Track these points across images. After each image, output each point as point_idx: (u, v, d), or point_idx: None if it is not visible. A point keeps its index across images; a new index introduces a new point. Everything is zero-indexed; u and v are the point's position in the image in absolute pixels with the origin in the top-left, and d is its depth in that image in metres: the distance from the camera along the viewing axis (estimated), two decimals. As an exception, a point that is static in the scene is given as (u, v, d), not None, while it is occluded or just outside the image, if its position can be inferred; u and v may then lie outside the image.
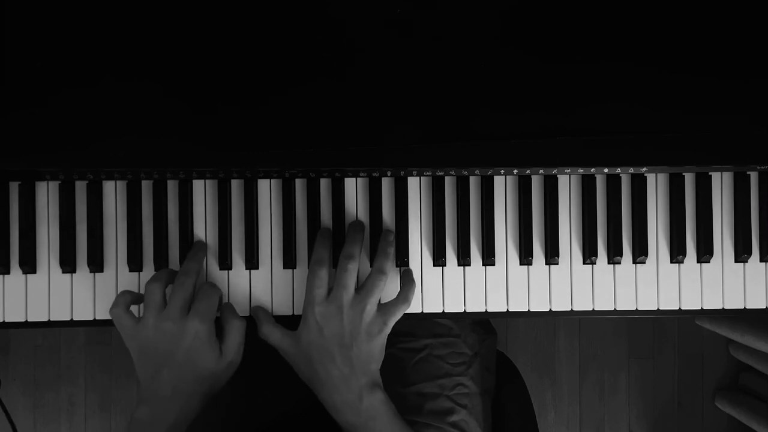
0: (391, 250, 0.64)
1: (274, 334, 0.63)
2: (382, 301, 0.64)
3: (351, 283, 0.61)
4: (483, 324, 0.81)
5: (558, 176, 0.67)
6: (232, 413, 0.76)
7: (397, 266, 0.67)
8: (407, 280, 0.65)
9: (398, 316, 0.63)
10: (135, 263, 0.66)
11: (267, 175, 0.66)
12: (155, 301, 0.60)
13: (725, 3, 0.62)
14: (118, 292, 0.63)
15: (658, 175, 0.68)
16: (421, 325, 0.75)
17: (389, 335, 0.64)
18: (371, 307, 0.61)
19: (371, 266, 0.64)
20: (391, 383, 0.76)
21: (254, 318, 0.65)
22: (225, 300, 0.66)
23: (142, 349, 0.61)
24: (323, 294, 0.61)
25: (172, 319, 0.59)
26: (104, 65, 0.60)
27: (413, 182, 0.67)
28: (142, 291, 0.66)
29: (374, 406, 0.60)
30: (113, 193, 0.66)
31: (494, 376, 0.81)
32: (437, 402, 0.75)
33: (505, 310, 0.68)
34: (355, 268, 0.61)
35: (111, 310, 0.61)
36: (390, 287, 0.65)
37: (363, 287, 0.62)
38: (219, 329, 0.63)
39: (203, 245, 0.65)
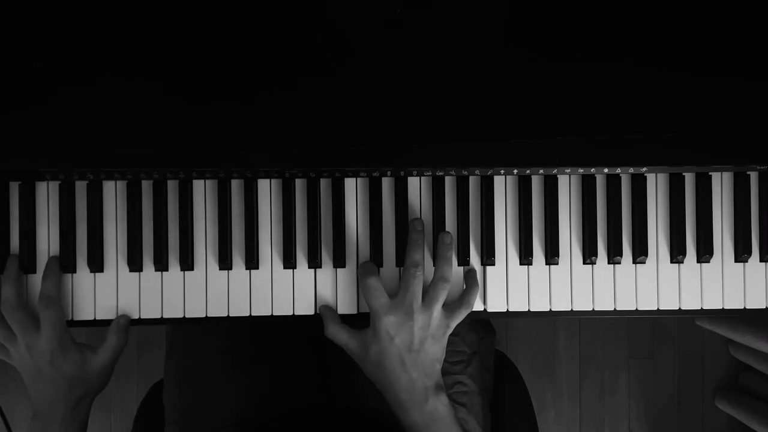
0: (450, 254, 0.64)
1: (340, 335, 0.64)
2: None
3: (419, 290, 0.62)
4: (482, 323, 0.81)
5: (558, 176, 0.67)
6: (249, 402, 0.77)
7: (397, 266, 0.67)
8: (471, 284, 0.66)
9: (460, 319, 0.64)
10: (135, 263, 0.66)
11: (267, 175, 0.66)
12: (3, 334, 0.64)
13: (725, 3, 0.62)
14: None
15: (658, 175, 0.68)
16: None
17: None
18: (437, 314, 0.62)
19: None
20: None
21: (321, 315, 0.66)
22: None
23: (19, 368, 0.65)
24: (386, 302, 0.62)
25: (26, 345, 0.63)
26: (104, 65, 0.60)
27: (413, 182, 0.67)
28: (141, 292, 0.66)
29: (438, 409, 0.61)
30: (113, 193, 0.66)
31: (493, 374, 0.82)
32: None
33: (505, 310, 0.67)
34: (422, 274, 0.62)
35: None
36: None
37: (428, 295, 0.62)
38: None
39: (13, 261, 0.65)
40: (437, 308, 0.62)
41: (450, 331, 0.64)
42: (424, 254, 0.65)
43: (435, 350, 0.62)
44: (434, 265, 0.64)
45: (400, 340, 0.61)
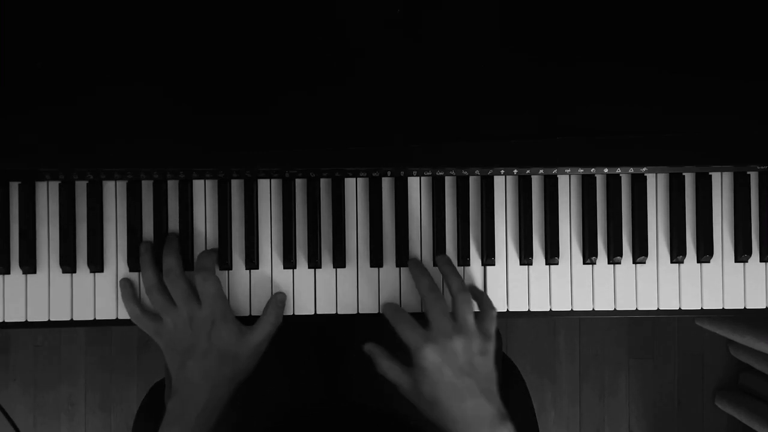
0: (454, 267, 0.65)
1: (392, 372, 0.62)
2: None
3: (446, 311, 0.61)
4: None
5: (558, 176, 0.67)
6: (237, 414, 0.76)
7: (397, 266, 0.67)
8: (477, 293, 0.65)
9: (494, 322, 0.63)
10: (135, 263, 0.66)
11: (267, 175, 0.66)
12: (162, 303, 0.63)
13: (725, 3, 0.62)
14: (120, 291, 0.65)
15: (658, 175, 0.68)
16: None
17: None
18: (472, 327, 0.61)
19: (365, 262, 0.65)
20: None
21: (369, 354, 0.64)
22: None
23: (168, 345, 0.63)
24: (422, 333, 0.60)
25: (188, 315, 0.62)
26: (105, 65, 0.60)
27: (413, 182, 0.67)
28: (142, 292, 0.66)
29: None
30: (113, 193, 0.66)
31: (501, 376, 0.82)
32: None
33: (506, 310, 0.67)
34: (441, 296, 0.61)
35: (130, 317, 0.64)
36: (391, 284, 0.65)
37: (457, 313, 0.61)
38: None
39: (173, 236, 0.65)
40: (470, 320, 0.61)
41: (493, 341, 0.62)
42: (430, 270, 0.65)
43: (486, 366, 0.60)
44: (446, 284, 0.64)
45: (448, 368, 0.58)
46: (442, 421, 0.59)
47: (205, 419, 0.60)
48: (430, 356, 0.58)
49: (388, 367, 0.62)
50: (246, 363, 0.63)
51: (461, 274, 0.67)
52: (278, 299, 0.65)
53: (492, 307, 0.64)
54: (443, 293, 0.65)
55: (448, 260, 0.65)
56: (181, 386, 0.61)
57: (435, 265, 0.67)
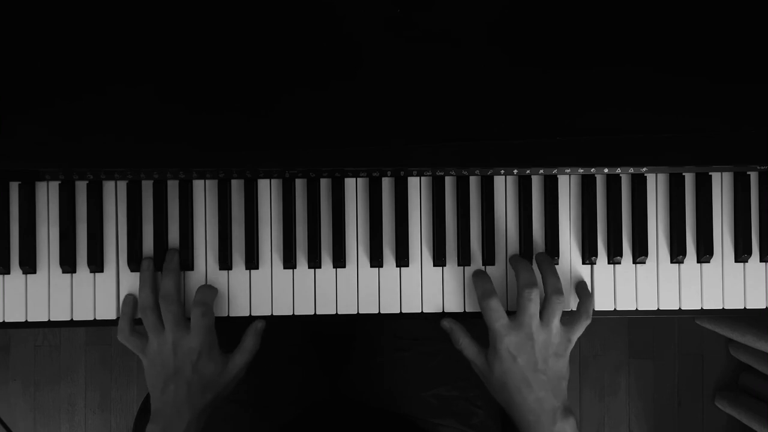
0: (554, 267, 0.65)
1: (470, 350, 0.64)
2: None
3: (536, 311, 0.62)
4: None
5: (558, 176, 0.67)
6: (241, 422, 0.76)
7: (397, 266, 0.67)
8: (583, 294, 0.66)
9: (581, 331, 0.64)
10: (135, 263, 0.66)
11: (267, 175, 0.66)
12: (152, 324, 0.63)
13: (725, 5, 0.62)
14: (119, 314, 0.65)
15: (658, 175, 0.68)
16: (438, 328, 0.75)
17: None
18: (557, 330, 0.62)
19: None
20: (410, 387, 0.76)
21: (448, 332, 0.66)
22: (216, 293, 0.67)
23: (152, 364, 0.63)
24: (506, 323, 0.62)
25: (174, 342, 0.62)
26: (106, 65, 0.60)
27: (413, 182, 0.67)
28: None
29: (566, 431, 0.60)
30: (113, 193, 0.66)
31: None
32: (456, 405, 0.75)
33: (505, 310, 0.67)
34: (537, 294, 0.62)
35: (118, 335, 0.64)
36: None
37: (545, 311, 0.62)
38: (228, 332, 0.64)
39: (173, 254, 0.65)
40: (556, 323, 0.62)
41: (572, 346, 0.63)
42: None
43: (560, 367, 0.62)
44: (543, 283, 0.64)
45: (522, 360, 0.60)
46: (508, 402, 0.62)
47: None
48: (508, 347, 0.61)
49: (467, 345, 0.64)
50: (226, 387, 0.64)
51: (461, 274, 0.67)
52: (257, 328, 0.66)
53: (587, 316, 0.64)
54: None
55: (548, 259, 0.65)
56: (162, 408, 0.62)
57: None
